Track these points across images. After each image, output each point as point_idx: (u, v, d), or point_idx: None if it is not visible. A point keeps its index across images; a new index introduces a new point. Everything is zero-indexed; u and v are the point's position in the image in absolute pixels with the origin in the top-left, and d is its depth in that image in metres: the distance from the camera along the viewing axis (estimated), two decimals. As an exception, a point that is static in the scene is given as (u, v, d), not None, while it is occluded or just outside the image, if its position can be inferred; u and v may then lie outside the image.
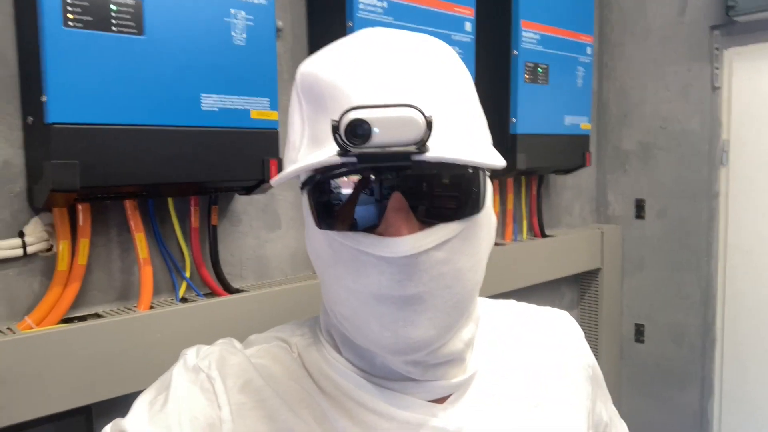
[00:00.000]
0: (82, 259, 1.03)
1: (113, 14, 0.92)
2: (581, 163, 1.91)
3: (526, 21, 1.65)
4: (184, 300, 1.16)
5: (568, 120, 1.83)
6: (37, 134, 0.93)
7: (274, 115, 1.12)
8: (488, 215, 0.59)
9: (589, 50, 1.88)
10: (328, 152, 0.49)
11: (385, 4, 1.30)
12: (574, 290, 2.20)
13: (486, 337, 0.67)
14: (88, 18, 0.90)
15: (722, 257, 2.04)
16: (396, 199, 0.51)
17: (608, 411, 0.78)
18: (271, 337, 0.66)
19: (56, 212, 1.00)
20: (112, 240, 1.10)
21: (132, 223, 1.08)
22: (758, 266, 1.97)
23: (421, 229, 0.52)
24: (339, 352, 0.62)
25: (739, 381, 2.03)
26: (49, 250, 1.03)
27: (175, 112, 1.00)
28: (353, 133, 0.46)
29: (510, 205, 1.86)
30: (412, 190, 0.51)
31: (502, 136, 1.67)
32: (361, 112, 0.46)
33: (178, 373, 0.59)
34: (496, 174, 1.75)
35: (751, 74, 1.97)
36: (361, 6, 1.25)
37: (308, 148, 0.54)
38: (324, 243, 0.55)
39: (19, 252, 0.98)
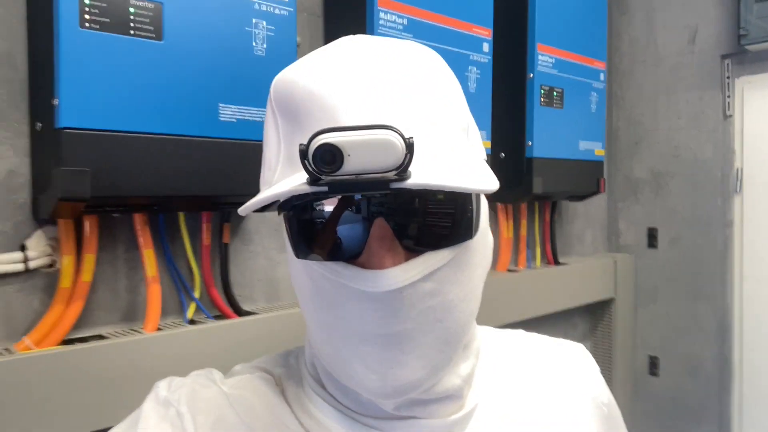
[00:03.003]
0: (86, 275, 0.96)
1: (132, 17, 0.88)
2: (595, 190, 1.87)
3: (542, 44, 1.63)
4: (192, 322, 1.10)
5: (583, 145, 1.80)
6: (46, 140, 0.88)
7: (292, 129, 1.07)
8: (483, 238, 0.54)
9: (602, 76, 1.86)
10: (299, 178, 0.44)
11: (405, 21, 1.27)
12: (586, 321, 2.14)
13: (488, 371, 0.61)
14: (106, 20, 0.86)
15: (738, 287, 2.00)
16: (379, 227, 0.46)
17: None
18: (255, 368, 0.62)
19: (61, 225, 0.94)
20: (118, 257, 1.04)
21: (141, 239, 1.02)
22: (776, 297, 1.92)
23: (407, 258, 0.47)
24: (323, 386, 0.57)
25: (758, 416, 1.96)
26: (51, 266, 0.96)
27: (193, 121, 0.95)
28: (323, 160, 0.40)
29: (524, 231, 1.82)
30: (396, 215, 0.47)
31: (518, 160, 1.63)
32: (331, 135, 0.40)
33: (148, 407, 0.56)
34: (511, 198, 1.71)
35: (763, 103, 1.95)
36: (381, 22, 1.22)
37: (284, 169, 0.50)
38: (303, 273, 0.51)
39: (20, 267, 0.92)
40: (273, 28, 1.04)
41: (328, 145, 0.40)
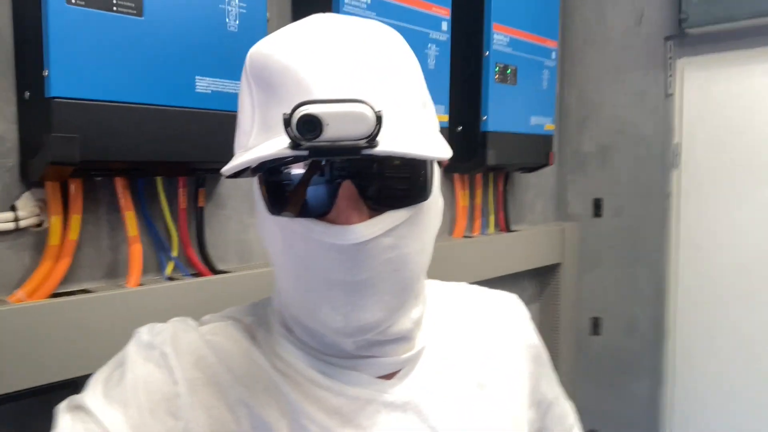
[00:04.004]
0: (73, 234, 1.04)
1: (114, -6, 0.95)
2: (545, 162, 2.00)
3: (498, 24, 1.73)
4: (171, 279, 1.19)
5: (534, 120, 1.92)
6: (36, 108, 0.95)
7: (263, 101, 1.16)
8: (435, 201, 0.61)
9: (554, 55, 1.98)
10: (279, 143, 0.50)
11: (368, 0, 1.35)
12: (535, 284, 2.30)
13: (434, 317, 0.69)
14: (91, -3, 0.93)
15: (674, 254, 2.17)
16: (346, 188, 0.52)
17: (553, 390, 0.80)
18: (225, 317, 0.67)
19: (49, 187, 1.02)
20: (101, 218, 1.12)
21: (122, 201, 1.10)
22: (707, 262, 2.10)
23: (370, 216, 0.53)
24: (290, 331, 0.63)
25: (688, 371, 2.15)
26: (39, 225, 1.04)
27: (171, 92, 1.03)
28: (305, 128, 0.46)
29: (479, 200, 1.94)
30: (361, 178, 0.53)
31: (473, 133, 1.75)
32: (312, 107, 0.46)
33: (132, 350, 0.61)
34: (467, 169, 1.83)
35: (702, 83, 2.11)
36: (346, 0, 1.31)
37: (259, 134, 0.55)
38: (276, 229, 0.56)
39: (11, 225, 0.99)
40: (245, 5, 1.12)
41: (309, 116, 0.46)
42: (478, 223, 1.96)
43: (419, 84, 0.60)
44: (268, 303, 0.69)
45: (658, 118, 2.16)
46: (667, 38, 2.13)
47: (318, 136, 0.46)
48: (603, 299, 2.31)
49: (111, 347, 1.04)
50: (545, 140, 2.00)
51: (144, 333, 0.63)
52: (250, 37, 1.13)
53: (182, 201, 1.19)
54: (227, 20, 1.10)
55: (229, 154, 1.13)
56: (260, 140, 0.54)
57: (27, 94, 0.97)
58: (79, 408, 0.57)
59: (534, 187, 2.28)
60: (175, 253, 1.19)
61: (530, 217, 2.28)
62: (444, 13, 1.55)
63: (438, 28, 1.54)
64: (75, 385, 1.06)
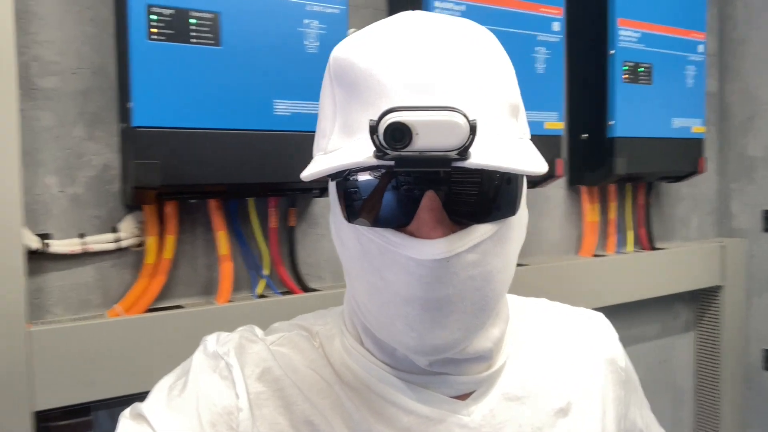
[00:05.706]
0: (167, 253, 1.11)
1: (192, 27, 1.00)
2: (694, 170, 1.75)
3: (624, 19, 1.56)
4: (262, 296, 1.22)
5: (677, 122, 1.70)
6: (127, 138, 1.03)
7: (345, 119, 1.15)
8: (522, 215, 0.57)
9: (701, 48, 1.73)
10: (361, 148, 0.47)
11: (463, 8, 1.29)
12: (690, 310, 2.02)
13: (515, 335, 0.65)
14: (170, 31, 0.99)
15: None
16: (429, 198, 0.49)
17: (644, 417, 0.74)
18: (294, 325, 0.65)
19: (146, 210, 1.10)
20: (197, 237, 1.18)
21: (214, 222, 1.15)
22: None
23: (453, 230, 0.50)
24: (361, 343, 0.61)
25: None
26: (140, 245, 1.12)
27: (249, 116, 1.06)
28: (393, 137, 0.43)
29: (612, 215, 1.76)
30: (446, 189, 0.49)
31: (599, 139, 1.59)
32: (402, 114, 0.43)
33: (197, 359, 0.60)
34: (594, 180, 1.66)
35: None
36: (437, 10, 1.26)
37: (339, 137, 0.53)
38: (352, 236, 0.54)
39: (113, 246, 1.09)
40: (325, 26, 1.12)
41: (398, 124, 0.43)
42: (612, 240, 1.77)
43: (513, 88, 0.56)
44: (338, 312, 0.67)
45: None
46: None
47: (406, 146, 0.43)
48: (778, 329, 1.96)
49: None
50: (694, 144, 1.75)
51: (210, 342, 0.62)
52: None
53: (273, 221, 1.22)
54: (306, 43, 1.11)
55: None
56: (340, 144, 0.52)
57: (123, 125, 1.06)
58: (141, 417, 0.57)
59: (688, 199, 2.02)
60: (266, 272, 1.23)
61: (683, 232, 2.01)
62: (556, 12, 1.43)
63: (548, 30, 1.42)
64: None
